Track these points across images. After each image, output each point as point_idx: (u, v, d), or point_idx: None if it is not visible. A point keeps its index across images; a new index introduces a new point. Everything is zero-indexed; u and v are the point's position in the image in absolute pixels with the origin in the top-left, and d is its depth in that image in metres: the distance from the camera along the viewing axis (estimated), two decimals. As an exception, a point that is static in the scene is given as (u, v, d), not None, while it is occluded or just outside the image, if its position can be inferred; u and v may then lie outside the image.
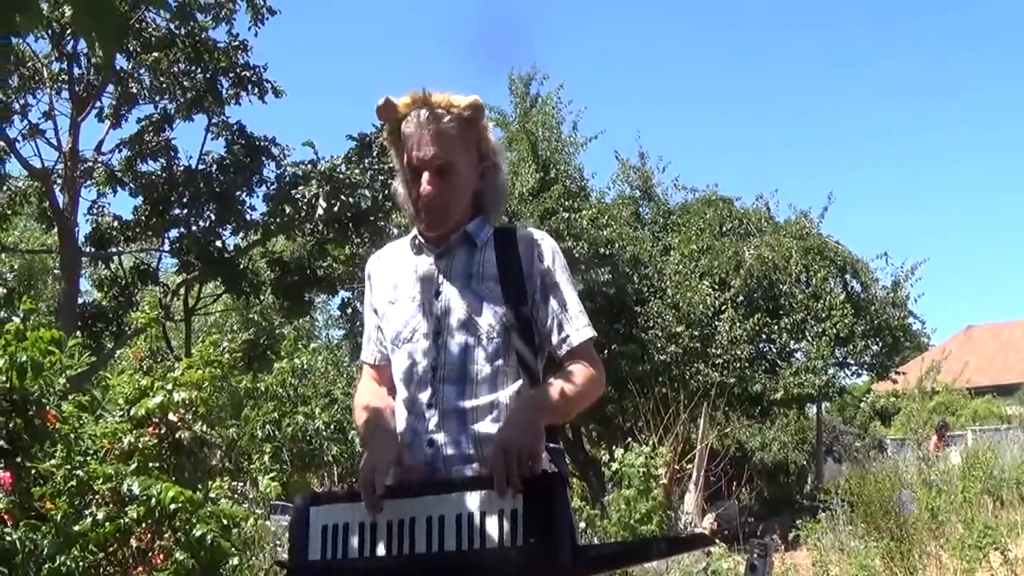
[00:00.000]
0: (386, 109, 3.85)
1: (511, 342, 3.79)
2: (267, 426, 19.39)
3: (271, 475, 12.99)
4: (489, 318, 3.79)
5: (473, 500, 3.42)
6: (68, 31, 17.47)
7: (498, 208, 4.08)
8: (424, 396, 3.78)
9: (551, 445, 3.70)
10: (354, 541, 3.50)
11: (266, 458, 16.21)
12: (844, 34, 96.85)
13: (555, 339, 3.87)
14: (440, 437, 3.73)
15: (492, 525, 3.36)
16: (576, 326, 3.86)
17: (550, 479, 3.47)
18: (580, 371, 3.80)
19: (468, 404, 3.74)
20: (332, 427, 21.69)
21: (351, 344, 25.56)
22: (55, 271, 36.61)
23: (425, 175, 3.79)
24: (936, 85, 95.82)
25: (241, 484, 10.16)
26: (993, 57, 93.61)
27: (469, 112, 3.86)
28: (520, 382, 3.80)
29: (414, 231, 3.99)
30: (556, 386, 3.74)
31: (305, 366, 23.88)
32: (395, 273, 4.00)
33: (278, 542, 12.16)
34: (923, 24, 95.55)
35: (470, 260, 3.88)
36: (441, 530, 3.41)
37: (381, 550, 3.46)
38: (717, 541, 16.07)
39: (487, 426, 3.72)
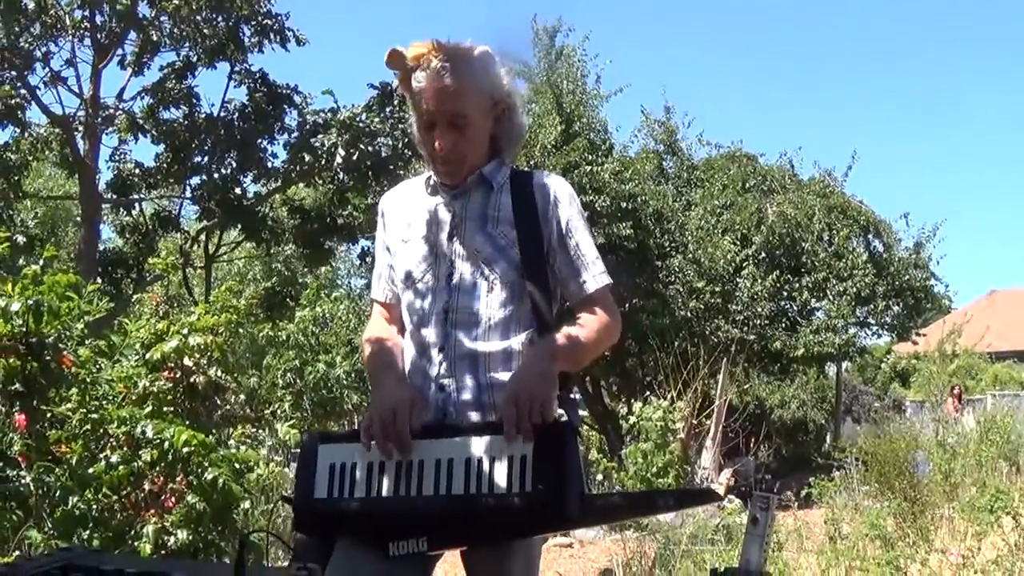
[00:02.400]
0: (394, 60, 3.80)
1: (525, 287, 3.76)
2: (288, 374, 19.49)
3: (291, 423, 13.07)
4: (503, 262, 3.76)
5: (482, 445, 3.42)
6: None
7: (515, 149, 4.04)
8: (435, 339, 3.76)
9: (563, 394, 3.69)
10: (361, 481, 3.49)
11: (286, 406, 16.30)
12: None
13: (571, 285, 3.84)
14: (450, 381, 3.71)
15: (501, 471, 3.37)
16: (593, 272, 3.83)
17: (561, 427, 3.48)
18: (595, 318, 3.79)
19: (480, 349, 3.71)
20: (353, 375, 21.78)
21: (373, 292, 25.66)
22: (77, 218, 36.80)
23: (439, 126, 3.75)
24: (963, 44, 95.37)
25: (261, 431, 10.22)
26: (1017, 14, 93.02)
27: (479, 56, 3.82)
28: (533, 328, 3.77)
29: (429, 172, 3.97)
30: (570, 333, 3.71)
31: (327, 314, 23.99)
32: (409, 212, 3.97)
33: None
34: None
35: (486, 203, 3.85)
36: (449, 473, 3.41)
37: (387, 491, 3.46)
38: (726, 497, 16.18)
39: (499, 372, 3.70)
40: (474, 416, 3.67)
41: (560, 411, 3.64)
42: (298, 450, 13.26)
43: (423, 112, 3.78)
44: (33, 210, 22.64)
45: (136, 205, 20.18)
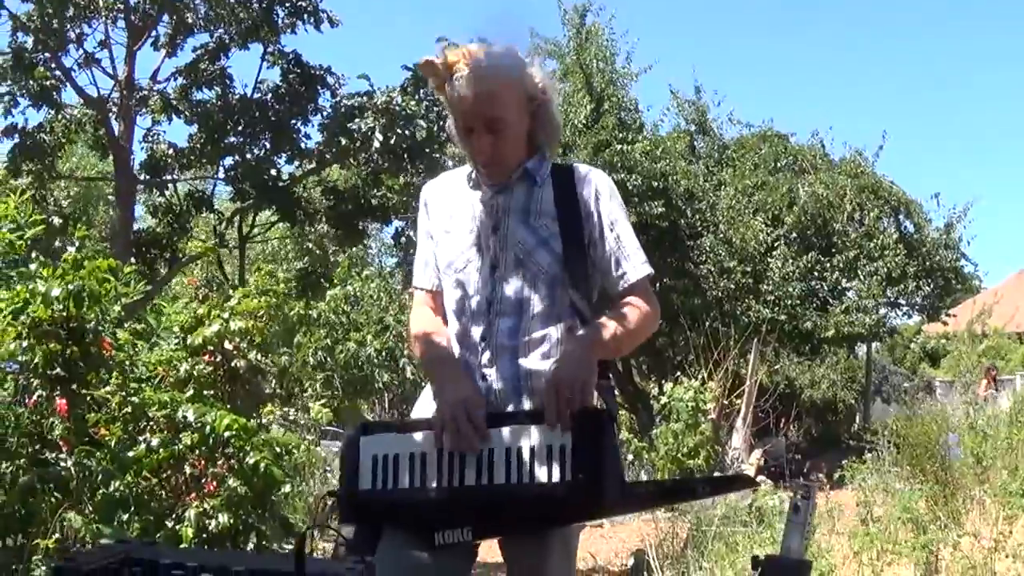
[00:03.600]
0: (428, 69, 3.85)
1: (566, 279, 3.79)
2: (319, 353, 19.57)
3: (322, 401, 13.16)
4: (546, 255, 3.79)
5: (523, 435, 3.46)
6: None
7: (554, 142, 4.08)
8: (478, 330, 3.80)
9: (601, 381, 3.70)
10: (404, 472, 3.53)
11: (317, 385, 16.40)
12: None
13: (613, 276, 3.87)
14: (493, 372, 3.74)
15: (541, 460, 3.40)
16: (634, 263, 3.87)
17: (600, 415, 3.52)
18: (636, 308, 3.82)
19: (522, 339, 3.75)
20: (383, 354, 21.87)
21: (404, 272, 25.67)
22: (108, 197, 36.90)
23: (477, 130, 3.79)
24: (994, 21, 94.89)
25: (292, 410, 10.30)
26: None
27: (510, 58, 3.86)
28: (573, 319, 3.81)
29: (472, 167, 3.97)
30: (611, 322, 3.76)
31: (358, 293, 24.07)
32: (451, 203, 3.99)
33: (328, 468, 12.33)
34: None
35: (529, 197, 3.88)
36: (490, 464, 3.45)
37: (431, 482, 3.50)
38: (759, 481, 16.20)
39: (539, 362, 3.73)
40: (516, 405, 3.70)
41: (598, 399, 3.67)
42: (328, 428, 13.27)
43: (460, 118, 3.83)
44: (67, 190, 22.70)
45: (171, 186, 20.21)
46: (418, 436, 3.60)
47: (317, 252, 28.15)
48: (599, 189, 3.90)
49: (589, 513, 3.88)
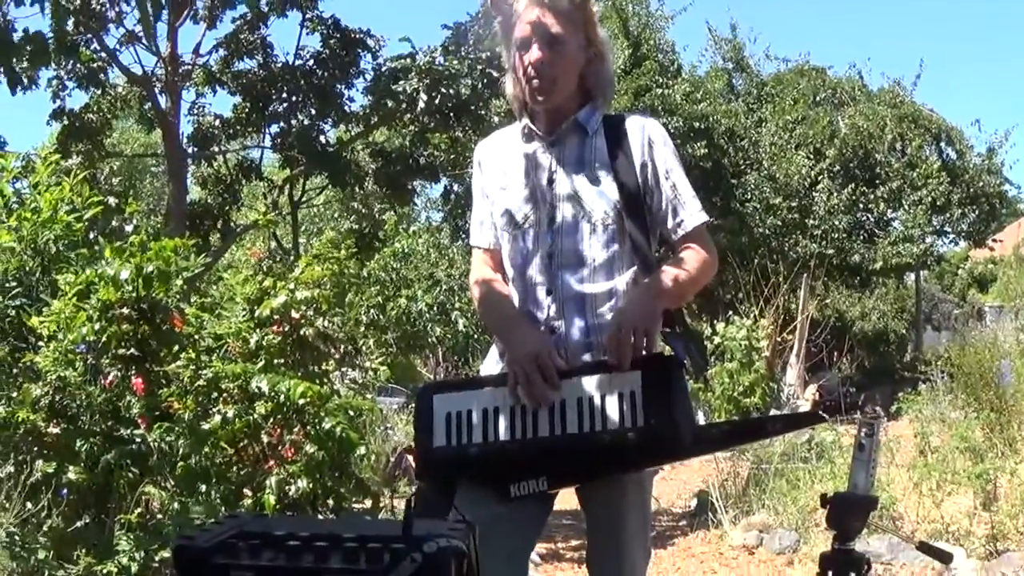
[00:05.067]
0: (496, 2, 3.93)
1: (625, 228, 3.79)
2: (371, 311, 19.66)
3: (379, 360, 13.30)
4: (604, 205, 3.77)
5: (592, 384, 3.49)
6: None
7: (606, 98, 4.01)
8: (542, 284, 3.80)
9: (666, 329, 3.74)
10: (477, 427, 3.58)
11: (371, 342, 16.52)
12: None
13: (670, 224, 3.85)
14: (560, 323, 3.74)
15: (612, 408, 3.44)
16: (690, 211, 3.86)
17: (668, 361, 3.56)
18: (695, 255, 3.81)
19: (587, 290, 3.75)
20: (435, 308, 21.95)
21: (451, 226, 25.80)
22: (152, 169, 37.00)
23: (535, 44, 3.78)
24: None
25: (351, 369, 10.41)
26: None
27: (579, 1, 3.84)
28: (635, 268, 3.80)
29: (524, 121, 3.96)
30: (671, 271, 3.73)
31: (406, 249, 24.16)
32: (505, 160, 3.98)
33: (388, 424, 12.49)
34: None
35: (582, 148, 3.86)
36: (563, 414, 3.48)
37: (504, 435, 3.55)
38: (826, 417, 16.26)
39: (605, 312, 3.73)
40: (585, 356, 3.69)
41: (665, 346, 3.74)
42: (385, 385, 13.39)
43: (521, 34, 3.82)
44: (110, 167, 22.81)
45: (220, 156, 20.33)
46: (489, 391, 3.65)
47: (363, 211, 28.23)
48: (652, 137, 3.89)
49: (663, 458, 3.88)
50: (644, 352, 3.51)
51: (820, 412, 3.97)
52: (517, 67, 3.88)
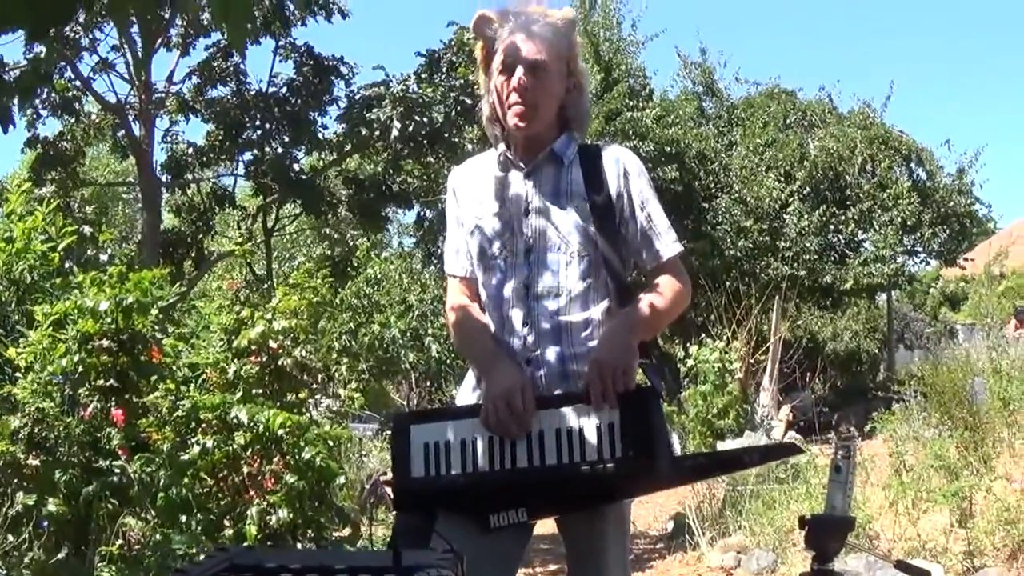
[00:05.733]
0: (482, 21, 3.92)
1: (600, 258, 3.82)
2: (344, 337, 19.65)
3: (352, 386, 13.29)
4: (579, 235, 3.81)
5: (571, 415, 3.52)
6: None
7: (582, 129, 4.07)
8: (518, 315, 3.82)
9: (647, 360, 3.79)
10: (456, 458, 3.59)
11: (343, 368, 16.51)
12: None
13: (645, 254, 3.92)
14: (537, 354, 3.77)
15: (591, 439, 3.47)
16: (665, 241, 3.91)
17: (645, 392, 3.60)
18: (669, 286, 3.86)
19: (563, 321, 3.78)
20: (408, 334, 21.92)
21: (423, 251, 25.83)
22: (123, 196, 36.89)
23: (519, 69, 3.80)
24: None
25: (324, 397, 10.40)
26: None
27: (563, 23, 3.93)
28: (611, 300, 3.84)
29: (500, 148, 3.98)
30: (647, 303, 3.80)
31: (379, 275, 24.14)
32: (480, 188, 4.00)
33: (363, 451, 12.49)
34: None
35: (558, 178, 3.89)
36: (541, 445, 3.51)
37: (483, 465, 3.56)
38: (787, 434, 16.34)
39: (581, 343, 3.77)
40: (561, 387, 3.73)
41: (643, 378, 3.78)
42: (361, 413, 13.38)
43: (503, 58, 3.85)
44: (81, 193, 22.75)
45: (194, 185, 20.35)
46: (467, 422, 3.64)
47: (336, 236, 28.23)
48: (628, 168, 3.94)
49: (642, 488, 3.94)
50: (625, 389, 3.53)
51: (795, 444, 4.00)
52: (498, 92, 3.90)
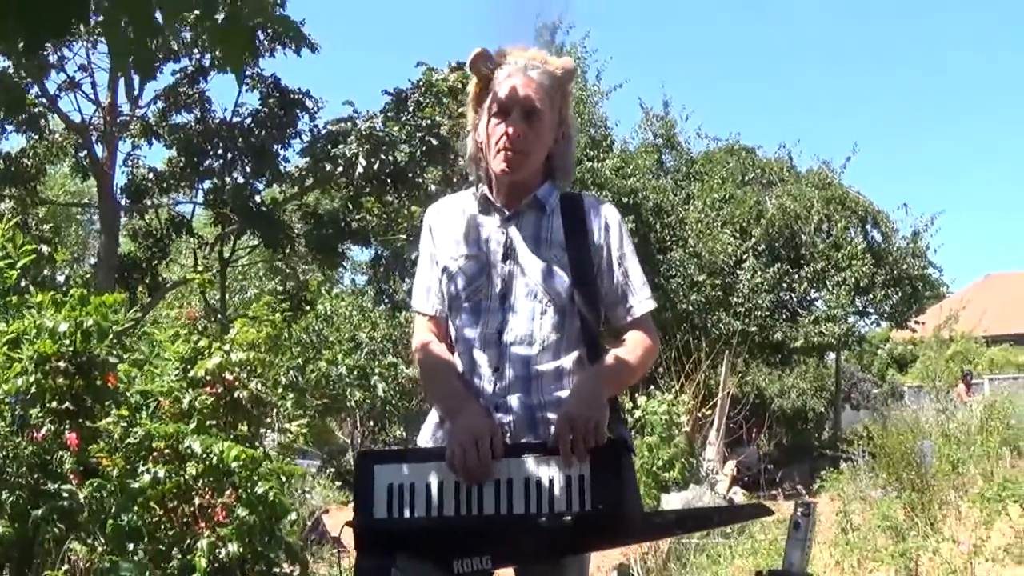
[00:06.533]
0: (480, 59, 3.91)
1: (575, 309, 3.80)
2: (291, 372, 19.56)
3: (298, 423, 13.22)
4: (556, 285, 3.78)
5: (542, 465, 3.48)
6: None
7: (567, 178, 4.06)
8: (489, 360, 3.79)
9: (612, 414, 3.70)
10: (420, 501, 3.53)
11: (289, 404, 16.43)
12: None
13: (619, 309, 3.90)
14: (506, 401, 3.74)
15: (560, 491, 3.43)
16: (640, 297, 3.91)
17: (616, 446, 3.57)
18: (640, 342, 3.86)
19: (533, 369, 3.75)
20: (355, 372, 21.85)
21: (375, 289, 25.79)
22: (78, 217, 36.72)
23: (514, 114, 3.80)
24: (955, 38, 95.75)
25: (269, 431, 10.35)
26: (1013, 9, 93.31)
27: (562, 73, 3.92)
28: (582, 349, 3.81)
29: (483, 189, 3.96)
30: (619, 357, 3.79)
31: (329, 311, 24.07)
32: (458, 228, 3.97)
33: (305, 488, 12.44)
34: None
35: (539, 225, 3.89)
36: (510, 493, 3.47)
37: (448, 510, 3.50)
38: (731, 489, 16.38)
39: (551, 392, 3.74)
40: (528, 435, 3.71)
41: (611, 431, 3.69)
42: (304, 449, 13.33)
43: (498, 101, 3.84)
44: (37, 211, 22.60)
45: (153, 210, 20.26)
46: (433, 465, 3.59)
47: (288, 271, 28.15)
48: (608, 221, 3.94)
49: (609, 542, 3.91)
50: (596, 443, 3.49)
51: (763, 504, 4.01)
52: (488, 133, 3.89)
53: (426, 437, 3.94)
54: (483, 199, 3.98)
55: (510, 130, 3.80)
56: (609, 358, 3.79)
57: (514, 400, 3.75)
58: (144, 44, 2.83)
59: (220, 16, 2.84)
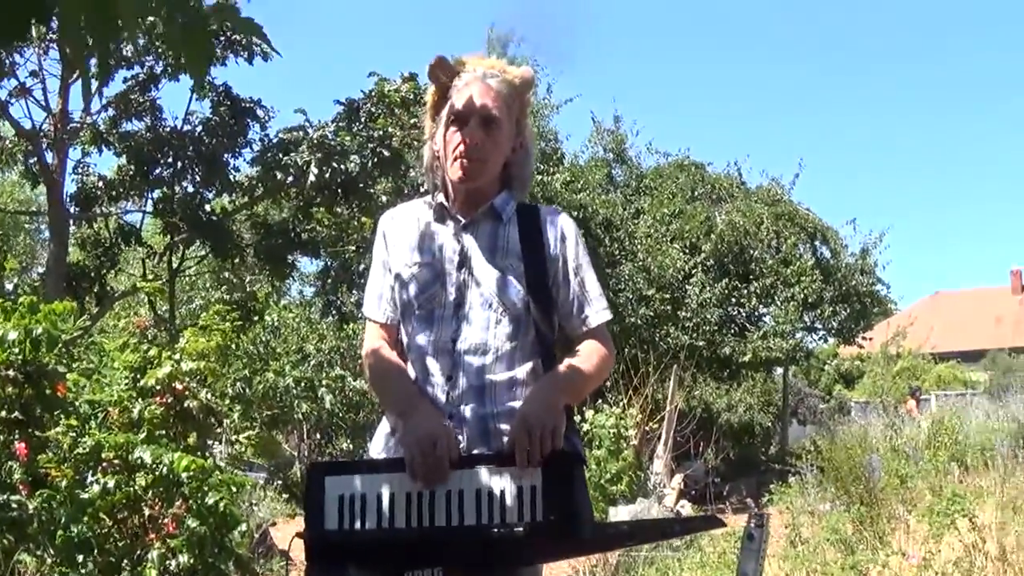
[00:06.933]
0: (439, 66, 3.90)
1: (530, 319, 3.78)
2: (238, 383, 19.45)
3: (245, 435, 13.15)
4: (511, 294, 3.77)
5: (493, 476, 3.43)
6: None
7: (524, 189, 4.04)
8: (442, 369, 3.75)
9: (567, 425, 3.67)
10: (372, 512, 3.48)
11: (236, 416, 16.36)
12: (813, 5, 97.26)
13: (574, 319, 3.87)
14: (459, 410, 3.70)
15: (512, 501, 3.38)
16: (596, 308, 3.88)
17: (568, 457, 3.53)
18: (596, 351, 3.82)
19: (487, 379, 3.72)
20: (303, 384, 21.74)
21: (323, 301, 25.72)
22: (25, 226, 36.45)
23: (472, 122, 3.78)
24: (905, 55, 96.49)
25: (217, 443, 10.29)
26: (961, 26, 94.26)
27: (520, 83, 3.91)
28: (537, 360, 3.79)
29: (439, 198, 3.93)
30: (574, 366, 3.76)
31: (277, 323, 23.96)
32: (413, 236, 3.94)
33: (252, 501, 12.37)
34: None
35: (495, 235, 3.87)
36: (461, 504, 3.42)
37: (399, 521, 3.45)
38: (678, 503, 16.41)
39: (504, 402, 3.71)
40: (481, 445, 3.68)
41: (565, 440, 3.68)
42: (251, 461, 13.25)
43: (458, 107, 3.82)
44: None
45: (103, 218, 20.11)
46: (385, 476, 3.56)
47: (235, 281, 28.01)
48: (565, 232, 3.91)
49: (561, 553, 3.92)
50: (551, 450, 3.46)
51: (717, 517, 3.99)
52: (445, 141, 3.88)
53: (378, 447, 3.91)
54: (439, 207, 3.95)
55: (468, 138, 3.78)
56: (565, 366, 3.77)
57: (467, 410, 3.72)
58: (104, 47, 2.79)
59: (182, 18, 2.81)
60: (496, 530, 3.37)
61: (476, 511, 3.42)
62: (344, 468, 3.78)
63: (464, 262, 3.85)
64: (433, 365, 3.79)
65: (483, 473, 3.47)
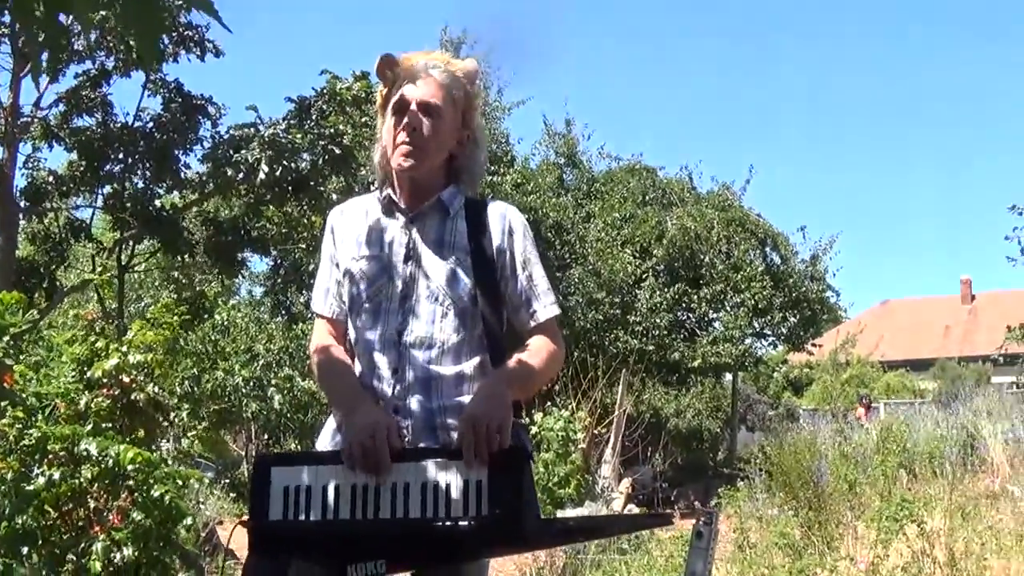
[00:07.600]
0: (386, 64, 3.91)
1: (478, 313, 3.80)
2: (186, 382, 19.36)
3: (193, 433, 13.07)
4: (458, 288, 3.78)
5: (439, 469, 3.42)
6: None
7: (473, 184, 4.06)
8: (389, 362, 3.76)
9: (515, 421, 3.66)
10: (316, 503, 3.47)
11: (184, 415, 16.29)
12: (765, 9, 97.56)
13: (522, 314, 3.89)
14: (404, 404, 3.71)
15: (457, 495, 3.37)
16: (544, 303, 3.90)
17: (515, 452, 3.53)
18: (545, 347, 3.84)
19: (434, 373, 3.73)
20: (252, 383, 21.67)
21: (273, 300, 25.63)
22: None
23: (412, 110, 3.81)
24: (858, 63, 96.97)
25: (165, 440, 10.24)
26: (913, 34, 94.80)
27: (463, 74, 3.93)
28: (484, 354, 3.81)
29: (386, 191, 3.95)
30: (523, 361, 3.77)
31: (226, 322, 23.87)
32: (360, 230, 3.96)
33: (200, 499, 12.31)
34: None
35: (442, 228, 3.87)
36: (406, 497, 3.41)
37: (344, 514, 3.45)
38: (626, 506, 16.43)
39: (451, 396, 3.72)
40: (427, 439, 3.68)
41: (513, 436, 3.66)
42: (199, 459, 13.21)
43: (400, 97, 3.86)
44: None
45: (53, 214, 19.98)
46: (330, 468, 3.53)
47: (184, 282, 27.88)
48: (512, 226, 3.93)
49: (506, 548, 3.90)
50: (500, 444, 3.45)
51: (666, 514, 3.98)
52: (391, 132, 3.89)
53: (325, 442, 3.89)
54: (387, 201, 3.96)
55: (407, 122, 3.81)
56: (514, 361, 3.77)
57: (413, 403, 3.72)
58: (58, 30, 2.75)
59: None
60: (441, 523, 3.36)
61: (421, 504, 3.40)
62: (291, 460, 3.77)
63: (411, 255, 3.85)
64: (380, 359, 3.79)
65: (429, 466, 3.45)
